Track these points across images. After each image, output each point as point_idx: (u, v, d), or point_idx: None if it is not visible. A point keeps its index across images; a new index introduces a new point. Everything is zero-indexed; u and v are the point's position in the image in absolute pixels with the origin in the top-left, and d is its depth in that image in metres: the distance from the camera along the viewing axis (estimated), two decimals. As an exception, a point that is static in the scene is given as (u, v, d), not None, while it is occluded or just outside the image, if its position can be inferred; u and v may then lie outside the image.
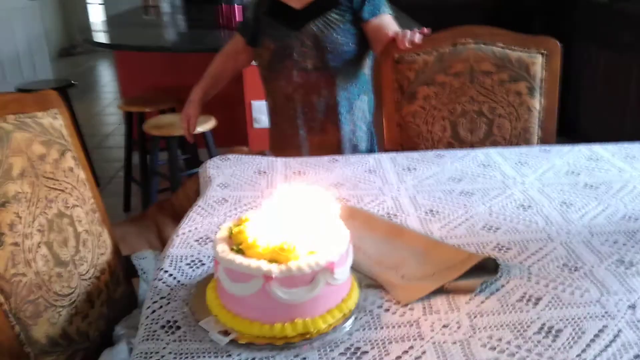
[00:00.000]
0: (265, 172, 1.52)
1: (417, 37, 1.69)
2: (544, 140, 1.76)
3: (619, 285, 0.99)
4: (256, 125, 2.92)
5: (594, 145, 1.66)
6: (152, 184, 2.95)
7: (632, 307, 0.93)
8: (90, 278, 1.19)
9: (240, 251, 0.89)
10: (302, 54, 1.82)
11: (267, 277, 0.84)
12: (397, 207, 1.31)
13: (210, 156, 2.84)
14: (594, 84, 3.81)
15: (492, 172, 1.49)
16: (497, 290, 0.99)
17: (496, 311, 0.93)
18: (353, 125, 1.92)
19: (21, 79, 5.10)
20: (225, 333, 0.87)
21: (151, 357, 0.85)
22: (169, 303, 0.97)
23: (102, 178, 3.83)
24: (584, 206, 1.29)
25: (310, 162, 1.60)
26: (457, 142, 1.74)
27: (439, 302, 0.96)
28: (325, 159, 1.62)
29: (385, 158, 1.61)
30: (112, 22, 4.51)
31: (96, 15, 7.68)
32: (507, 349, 0.85)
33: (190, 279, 1.05)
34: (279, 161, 1.60)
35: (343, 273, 0.91)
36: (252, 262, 0.85)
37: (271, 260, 0.86)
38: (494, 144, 1.74)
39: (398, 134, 1.76)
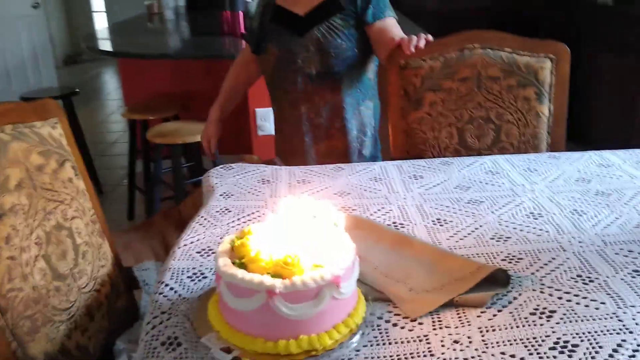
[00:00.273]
0: (269, 181, 1.50)
1: (422, 42, 1.67)
2: (552, 147, 1.72)
3: (636, 297, 0.95)
4: (260, 133, 2.90)
5: (603, 151, 1.62)
6: (155, 192, 2.92)
7: (651, 321, 0.89)
8: (90, 291, 1.17)
9: (242, 265, 0.86)
10: (306, 59, 1.80)
11: (271, 292, 0.81)
12: (403, 217, 1.28)
13: (215, 164, 2.82)
14: (601, 88, 3.78)
15: (501, 180, 1.46)
16: (509, 303, 0.95)
17: (508, 325, 0.90)
18: (358, 131, 1.89)
19: (26, 87, 5.10)
20: (228, 350, 0.84)
21: (151, 375, 0.82)
22: (169, 318, 0.94)
23: (106, 186, 3.81)
24: (596, 214, 1.25)
25: (314, 171, 1.57)
26: (464, 149, 1.70)
27: (449, 316, 0.93)
28: (330, 167, 1.60)
29: (391, 166, 1.58)
30: (116, 29, 4.51)
31: (100, 22, 7.70)
32: (521, 366, 0.81)
33: (192, 292, 1.02)
34: (283, 170, 1.57)
35: (349, 287, 0.88)
36: (255, 277, 0.82)
37: (275, 275, 0.83)
38: (502, 150, 1.70)
39: (404, 141, 1.73)
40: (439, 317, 0.92)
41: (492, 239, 1.17)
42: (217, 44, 3.31)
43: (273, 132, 2.97)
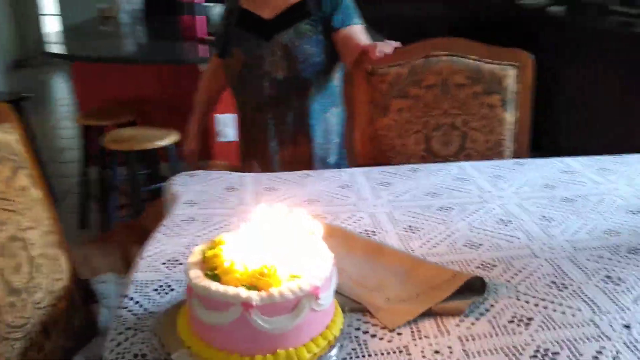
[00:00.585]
0: (235, 189, 1.45)
1: (389, 49, 1.66)
2: (517, 154, 1.74)
3: (611, 303, 0.95)
4: (221, 139, 2.85)
5: (565, 158, 1.64)
6: (111, 200, 2.82)
7: (627, 326, 0.89)
8: (45, 307, 1.10)
9: (215, 277, 0.82)
10: (273, 64, 1.77)
11: (247, 304, 0.77)
12: (374, 224, 1.26)
13: (173, 171, 2.75)
14: (558, 97, 3.87)
15: (469, 187, 1.45)
16: (487, 311, 0.94)
17: (488, 334, 0.88)
18: (324, 138, 1.87)
19: (-29, 92, 4.87)
20: (200, 367, 0.80)
21: (118, 396, 0.77)
22: (135, 334, 0.89)
23: (57, 194, 3.67)
24: (564, 220, 1.26)
25: (281, 178, 1.53)
26: (430, 155, 1.70)
27: (428, 325, 0.91)
28: (297, 174, 1.56)
29: (358, 173, 1.56)
30: (68, 33, 4.36)
31: (51, 26, 7.46)
32: (503, 376, 0.80)
33: (158, 306, 0.97)
34: (249, 177, 1.53)
35: (328, 298, 0.85)
36: (230, 289, 0.78)
37: (250, 287, 0.80)
38: (468, 157, 1.71)
39: (371, 148, 1.71)
40: (417, 327, 0.90)
41: (465, 246, 1.16)
42: (176, 49, 3.24)
43: (233, 139, 2.94)
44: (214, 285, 0.79)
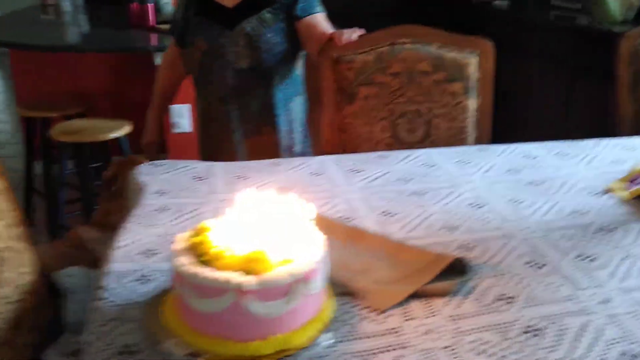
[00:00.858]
0: (203, 178, 1.42)
1: (355, 35, 1.65)
2: (479, 140, 1.77)
3: (588, 279, 0.99)
4: (176, 130, 2.78)
5: (525, 144, 1.69)
6: (60, 195, 2.71)
7: (606, 301, 0.92)
8: (14, 302, 1.04)
9: (205, 263, 0.80)
10: (236, 54, 1.74)
11: (240, 290, 0.76)
12: (351, 210, 1.25)
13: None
14: (501, 91, 3.96)
15: (438, 172, 1.47)
16: (472, 291, 0.95)
17: (475, 313, 0.90)
18: (289, 127, 1.85)
19: None
20: (194, 355, 0.78)
21: (109, 390, 0.74)
22: (119, 325, 0.86)
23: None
24: (533, 203, 1.29)
25: (250, 166, 1.51)
26: (397, 142, 1.71)
27: (417, 306, 0.91)
28: (266, 162, 1.54)
29: (328, 160, 1.55)
30: (5, 20, 4.15)
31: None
32: (496, 352, 0.81)
33: (140, 296, 0.93)
34: (217, 166, 1.50)
35: (320, 282, 0.84)
36: (222, 275, 0.76)
37: (242, 272, 0.78)
38: (433, 144, 1.73)
39: (338, 136, 1.71)
40: (406, 309, 0.91)
41: (442, 229, 1.17)
42: (125, 37, 3.13)
43: (188, 130, 2.88)
44: (205, 272, 0.77)
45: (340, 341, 0.83)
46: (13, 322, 1.02)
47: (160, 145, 2.14)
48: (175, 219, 1.20)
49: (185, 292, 0.79)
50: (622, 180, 1.40)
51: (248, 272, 0.78)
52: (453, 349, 0.81)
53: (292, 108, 1.85)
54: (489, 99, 1.75)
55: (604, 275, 1.00)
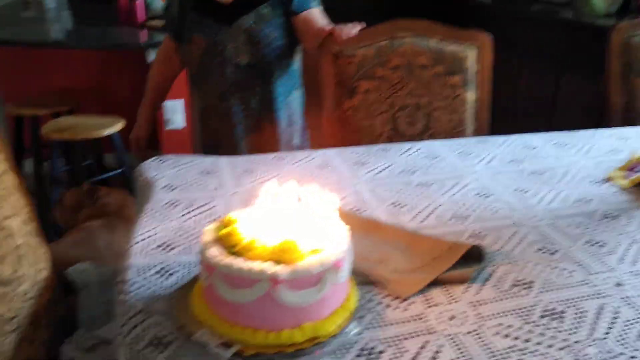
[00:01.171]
0: (210, 172, 1.43)
1: (355, 30, 1.66)
2: (477, 132, 1.80)
3: (600, 264, 1.02)
4: (169, 127, 2.76)
5: (524, 135, 1.72)
6: (52, 194, 2.69)
7: (620, 284, 0.95)
8: (32, 298, 1.04)
9: (235, 254, 0.81)
10: (236, 50, 1.74)
11: (274, 280, 0.77)
12: (361, 202, 1.27)
13: (119, 161, 2.66)
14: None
15: (441, 164, 1.50)
16: (489, 277, 0.98)
17: (495, 299, 0.92)
18: (288, 121, 1.86)
19: None
20: (226, 345, 0.79)
21: (145, 380, 0.75)
22: (147, 317, 0.86)
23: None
24: (538, 192, 1.32)
25: (255, 160, 1.52)
26: (397, 135, 1.74)
27: (437, 293, 0.93)
28: (270, 156, 1.55)
29: (331, 153, 1.57)
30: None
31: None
32: (519, 335, 0.83)
33: (164, 289, 0.94)
34: (222, 160, 1.51)
35: (347, 270, 0.85)
36: (255, 265, 0.78)
37: (273, 262, 0.79)
38: (432, 136, 1.76)
39: (338, 129, 1.73)
40: (427, 296, 0.93)
41: (452, 219, 1.20)
42: (112, 33, 3.11)
43: (182, 126, 2.86)
44: (238, 262, 0.78)
45: (367, 328, 0.85)
46: (31, 318, 1.02)
47: (150, 142, 2.12)
48: (188, 213, 1.21)
49: (216, 283, 0.80)
50: (621, 169, 1.44)
51: (278, 262, 0.79)
52: (477, 334, 0.84)
53: (291, 102, 1.86)
54: (487, 91, 1.78)
55: (614, 260, 1.03)
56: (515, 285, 0.95)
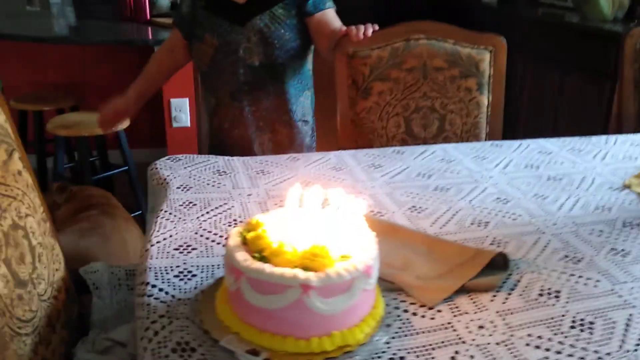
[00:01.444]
0: (225, 173, 1.41)
1: (370, 31, 1.65)
2: (491, 136, 1.79)
3: (624, 274, 1.00)
4: (175, 125, 2.74)
5: (538, 139, 1.71)
6: (56, 190, 2.66)
7: (648, 295, 0.94)
8: (49, 298, 1.02)
9: (264, 259, 0.79)
10: (248, 50, 1.72)
11: (305, 286, 0.75)
12: (379, 205, 1.26)
13: (125, 158, 2.63)
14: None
15: (457, 168, 1.48)
16: (515, 286, 0.97)
17: (523, 308, 0.91)
18: (301, 122, 1.84)
19: None
20: (254, 352, 0.77)
21: (172, 387, 0.73)
22: (170, 322, 0.85)
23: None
24: (557, 198, 1.31)
25: (269, 161, 1.50)
26: (410, 138, 1.72)
27: (463, 302, 0.92)
28: (284, 157, 1.54)
29: (346, 155, 1.55)
30: (-11, 11, 4.04)
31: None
32: (550, 347, 0.82)
33: (185, 292, 0.92)
34: (236, 161, 1.49)
35: (376, 277, 0.84)
36: (286, 271, 0.76)
37: (302, 268, 0.77)
38: (446, 140, 1.74)
39: (352, 131, 1.71)
40: (454, 304, 0.91)
41: (473, 224, 1.18)
42: (118, 30, 3.08)
43: (187, 124, 2.84)
44: (268, 268, 0.77)
45: (395, 337, 0.83)
46: (48, 320, 1.00)
47: (153, 140, 2.05)
48: (204, 214, 1.19)
49: (244, 289, 0.79)
50: (638, 176, 1.43)
51: (307, 268, 0.77)
52: (506, 345, 0.82)
53: (302, 103, 1.84)
54: (501, 94, 1.77)
55: (638, 270, 1.02)
56: (541, 295, 0.94)
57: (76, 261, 1.27)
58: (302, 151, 1.83)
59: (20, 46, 3.25)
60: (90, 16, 3.64)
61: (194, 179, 1.37)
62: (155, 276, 0.96)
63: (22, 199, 1.00)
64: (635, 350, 0.82)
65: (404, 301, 0.92)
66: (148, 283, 0.94)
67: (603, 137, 1.72)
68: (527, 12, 3.79)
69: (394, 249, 1.06)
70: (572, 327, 0.86)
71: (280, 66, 1.75)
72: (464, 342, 0.82)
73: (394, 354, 0.80)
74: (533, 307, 0.91)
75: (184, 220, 1.16)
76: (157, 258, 1.02)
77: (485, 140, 1.81)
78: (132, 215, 1.97)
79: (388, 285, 0.94)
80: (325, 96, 1.97)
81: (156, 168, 1.43)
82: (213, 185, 1.33)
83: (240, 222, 1.16)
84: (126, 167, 2.61)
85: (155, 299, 0.90)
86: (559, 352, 0.81)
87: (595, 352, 0.81)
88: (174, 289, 0.93)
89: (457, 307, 0.90)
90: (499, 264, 1.01)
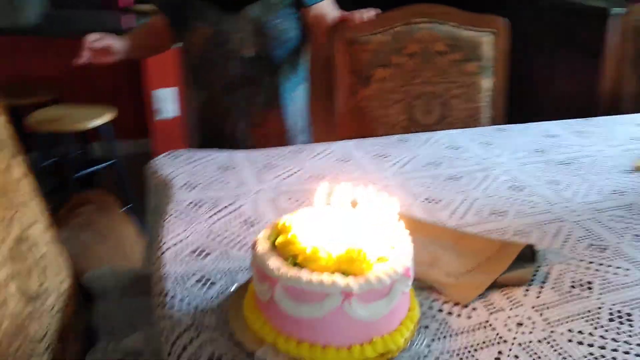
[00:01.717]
0: (229, 168, 1.36)
1: (371, 13, 1.60)
2: (494, 120, 1.76)
3: (653, 261, 0.99)
4: (160, 116, 2.65)
5: (542, 123, 1.69)
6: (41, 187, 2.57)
7: (680, 282, 0.93)
8: (58, 311, 0.97)
9: (299, 265, 0.75)
10: (242, 41, 1.63)
11: (347, 293, 0.71)
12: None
13: (111, 151, 2.55)
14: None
15: (465, 155, 1.45)
16: (546, 278, 0.94)
17: (558, 302, 0.88)
18: (294, 116, 1.77)
19: None
20: (294, 364, 0.73)
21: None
22: (199, 334, 0.80)
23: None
24: (571, 184, 1.29)
25: (272, 154, 1.45)
26: (413, 125, 1.69)
27: (496, 298, 0.89)
28: (287, 149, 1.49)
29: (349, 145, 1.51)
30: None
31: None
32: (593, 342, 0.80)
33: (208, 301, 0.88)
34: (238, 155, 1.44)
35: (412, 278, 0.80)
36: (325, 278, 0.72)
37: (340, 273, 0.74)
38: (449, 125, 1.71)
39: (353, 119, 1.67)
40: (487, 301, 0.88)
41: (492, 214, 1.16)
42: (96, 18, 2.97)
43: (173, 115, 2.76)
44: (305, 275, 0.73)
45: (433, 340, 0.80)
46: (60, 333, 0.95)
47: (138, 131, 1.94)
48: (215, 214, 1.14)
49: (279, 297, 0.74)
50: (646, 157, 1.42)
51: (345, 272, 0.74)
52: (549, 342, 0.80)
53: (296, 97, 1.77)
54: (504, 77, 1.74)
55: (667, 256, 1.00)
56: (574, 287, 0.92)
57: (71, 258, 1.21)
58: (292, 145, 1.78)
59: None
60: (65, 4, 3.51)
61: (198, 176, 1.31)
62: (174, 285, 0.91)
63: (25, 207, 0.94)
64: (677, 341, 0.80)
65: (436, 300, 0.89)
66: (167, 293, 0.89)
67: (604, 119, 1.71)
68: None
69: (421, 245, 1.01)
70: (611, 320, 0.84)
71: (276, 59, 1.67)
72: (505, 341, 0.80)
73: (436, 358, 0.77)
74: (568, 301, 0.89)
75: (195, 221, 1.11)
76: (172, 265, 0.97)
77: (489, 124, 1.78)
78: (122, 210, 1.91)
79: (418, 284, 0.91)
80: (317, 85, 1.91)
81: (155, 165, 1.38)
82: (219, 182, 1.28)
83: (252, 222, 1.11)
84: (112, 162, 2.54)
85: (178, 310, 0.86)
86: (602, 347, 0.79)
87: (639, 345, 0.79)
88: (197, 297, 0.89)
89: (491, 304, 0.88)
90: (526, 255, 0.98)
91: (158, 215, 1.28)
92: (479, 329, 0.83)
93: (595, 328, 0.83)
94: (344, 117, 1.67)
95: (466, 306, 0.87)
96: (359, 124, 1.67)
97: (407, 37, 1.64)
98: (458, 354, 0.78)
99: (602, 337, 0.81)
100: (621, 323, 0.84)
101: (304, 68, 1.80)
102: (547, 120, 1.70)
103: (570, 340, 0.80)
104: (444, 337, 0.81)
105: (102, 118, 2.46)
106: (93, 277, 1.20)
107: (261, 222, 1.12)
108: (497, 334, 0.81)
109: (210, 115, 1.80)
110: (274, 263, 0.75)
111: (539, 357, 0.77)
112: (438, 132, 1.60)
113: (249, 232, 1.08)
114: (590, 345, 0.79)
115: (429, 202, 1.20)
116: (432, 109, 1.69)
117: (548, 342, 0.80)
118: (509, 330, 0.82)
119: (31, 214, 0.96)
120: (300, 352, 0.74)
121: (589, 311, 0.86)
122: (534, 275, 0.95)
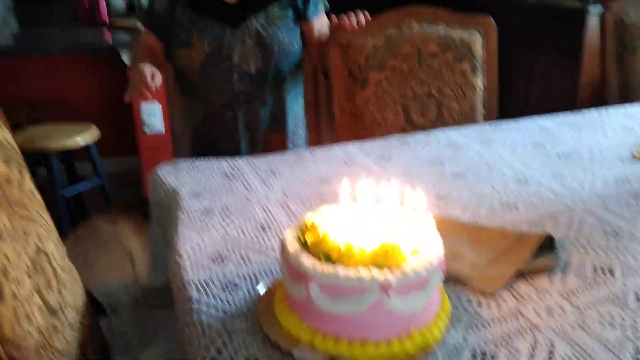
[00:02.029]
0: (233, 175, 1.35)
1: (362, 18, 1.60)
2: (487, 118, 1.78)
3: (667, 245, 1.01)
4: (147, 131, 2.61)
5: (535, 118, 1.71)
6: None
7: (699, 263, 0.94)
8: (76, 325, 0.94)
9: (334, 262, 0.74)
10: (243, 56, 1.59)
11: (385, 287, 0.71)
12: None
13: (97, 170, 2.51)
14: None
15: (466, 152, 1.47)
16: (567, 266, 0.95)
17: (583, 287, 0.89)
18: (294, 130, 1.75)
19: None
20: (334, 362, 0.72)
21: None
22: (231, 339, 0.79)
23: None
24: (575, 175, 1.31)
25: (275, 160, 1.44)
26: (410, 126, 1.70)
27: (522, 286, 0.90)
28: (288, 155, 1.49)
29: (352, 148, 1.51)
30: None
31: None
32: (623, 323, 0.81)
33: (235, 306, 0.86)
34: (242, 162, 1.43)
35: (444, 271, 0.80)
36: (363, 272, 0.71)
37: (373, 268, 0.73)
38: (445, 125, 1.73)
39: (351, 123, 1.67)
40: (514, 290, 0.89)
41: (503, 208, 1.16)
42: (73, 36, 2.93)
43: (160, 130, 2.72)
44: (342, 271, 0.72)
45: (469, 330, 0.80)
46: (80, 349, 0.92)
47: (123, 148, 1.88)
48: (224, 220, 1.13)
49: (315, 295, 0.74)
50: (642, 146, 1.45)
51: (380, 267, 0.73)
52: (581, 327, 0.80)
53: (296, 110, 1.75)
54: (495, 76, 1.76)
55: (680, 240, 1.02)
56: (596, 272, 0.93)
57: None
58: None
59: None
60: (37, 23, 3.45)
61: (203, 184, 1.30)
62: (198, 292, 0.90)
63: (39, 220, 0.92)
64: None
65: (462, 291, 0.89)
66: (192, 300, 0.88)
67: (594, 111, 1.74)
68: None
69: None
70: (639, 300, 0.85)
71: (279, 73, 1.63)
72: (539, 329, 0.80)
73: (474, 349, 0.77)
74: (593, 286, 0.89)
75: (208, 229, 1.10)
76: (193, 272, 0.95)
77: (483, 122, 1.80)
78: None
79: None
80: (308, 91, 1.90)
81: (159, 175, 1.36)
82: (226, 190, 1.27)
83: (265, 226, 1.10)
84: (99, 181, 2.48)
85: (206, 315, 0.84)
86: (633, 326, 0.80)
87: (670, 325, 0.80)
88: (222, 302, 0.87)
89: (518, 293, 0.88)
90: (544, 244, 0.99)
91: (166, 225, 1.26)
92: (511, 318, 0.83)
93: (624, 310, 0.84)
94: (342, 121, 1.67)
95: (492, 295, 0.87)
96: (358, 128, 1.68)
97: (399, 39, 1.65)
98: (495, 344, 0.78)
99: (633, 319, 0.82)
100: (648, 305, 0.85)
101: (302, 80, 1.77)
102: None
103: (602, 324, 0.81)
104: (478, 327, 0.81)
105: (87, 136, 2.42)
106: (102, 292, 1.17)
107: (275, 225, 1.11)
108: (530, 322, 0.82)
109: (207, 135, 1.73)
110: (308, 261, 0.74)
111: (574, 342, 0.77)
112: (434, 131, 1.61)
113: (265, 236, 1.07)
114: (621, 327, 0.80)
115: (440, 199, 1.21)
116: (428, 110, 1.70)
117: (581, 327, 0.80)
118: (540, 317, 0.82)
119: (44, 229, 0.94)
120: (339, 349, 0.73)
121: (615, 295, 0.87)
122: (557, 263, 0.96)
